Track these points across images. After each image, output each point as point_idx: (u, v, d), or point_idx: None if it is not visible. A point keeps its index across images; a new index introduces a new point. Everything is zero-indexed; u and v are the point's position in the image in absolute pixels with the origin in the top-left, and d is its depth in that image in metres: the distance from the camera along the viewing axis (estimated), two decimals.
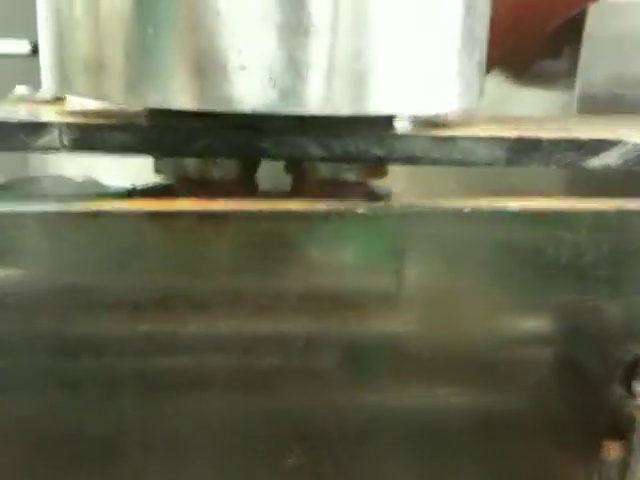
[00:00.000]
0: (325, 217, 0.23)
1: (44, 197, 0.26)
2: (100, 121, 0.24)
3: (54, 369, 0.24)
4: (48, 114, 0.26)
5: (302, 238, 0.24)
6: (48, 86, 0.26)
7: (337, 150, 0.24)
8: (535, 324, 0.26)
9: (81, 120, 0.24)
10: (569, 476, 0.28)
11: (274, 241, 0.24)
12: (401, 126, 0.27)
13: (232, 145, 0.24)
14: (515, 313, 0.25)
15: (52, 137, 0.24)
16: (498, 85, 0.46)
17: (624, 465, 0.26)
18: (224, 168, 0.27)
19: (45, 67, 0.26)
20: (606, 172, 0.25)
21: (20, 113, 0.25)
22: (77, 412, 0.24)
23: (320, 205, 0.24)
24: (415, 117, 0.32)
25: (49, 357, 0.24)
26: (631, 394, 0.26)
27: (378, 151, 0.25)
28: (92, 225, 0.23)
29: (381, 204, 0.25)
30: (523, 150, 0.25)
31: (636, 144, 0.24)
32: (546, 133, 0.25)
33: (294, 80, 0.22)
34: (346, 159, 0.25)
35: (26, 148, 0.24)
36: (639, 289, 0.25)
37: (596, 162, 0.25)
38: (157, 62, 0.22)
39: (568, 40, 0.43)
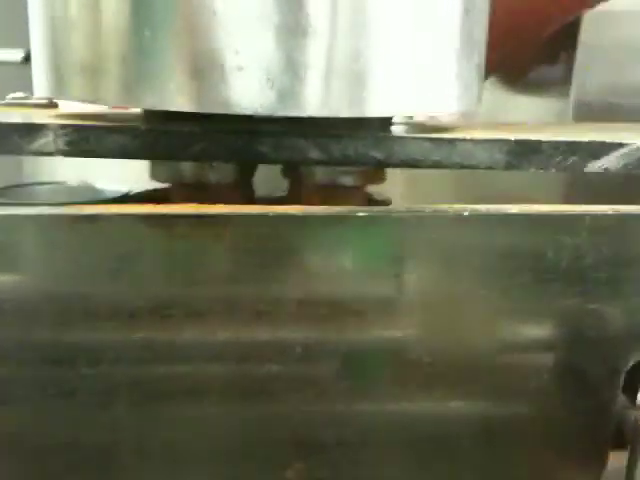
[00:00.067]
0: (324, 222, 0.23)
1: (38, 201, 0.25)
2: (96, 124, 0.24)
3: (49, 377, 0.23)
4: (42, 117, 0.25)
5: (301, 243, 0.23)
6: (41, 90, 0.26)
7: (336, 153, 0.24)
8: (536, 330, 0.26)
9: (76, 123, 0.24)
10: None
11: (272, 246, 0.23)
12: (399, 129, 0.27)
13: (229, 149, 0.24)
14: (516, 318, 0.25)
15: (47, 140, 0.23)
16: (492, 92, 0.46)
17: (628, 474, 0.26)
18: (220, 173, 0.27)
19: (38, 71, 0.26)
20: (606, 175, 0.25)
21: (13, 117, 0.25)
22: (73, 421, 0.24)
23: (319, 210, 0.23)
24: (413, 120, 0.31)
25: (44, 364, 0.23)
26: (635, 402, 0.26)
27: (377, 154, 0.24)
28: (87, 229, 0.23)
29: (380, 208, 0.24)
30: (523, 153, 0.24)
31: (639, 148, 0.24)
32: (546, 136, 0.25)
33: (292, 81, 0.22)
34: (345, 162, 0.24)
35: (20, 151, 0.23)
36: None
37: (596, 165, 0.25)
38: (153, 63, 0.22)
39: (563, 47, 0.43)
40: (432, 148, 0.24)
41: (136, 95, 0.23)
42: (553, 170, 0.25)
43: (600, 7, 0.40)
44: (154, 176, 0.28)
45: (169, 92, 0.22)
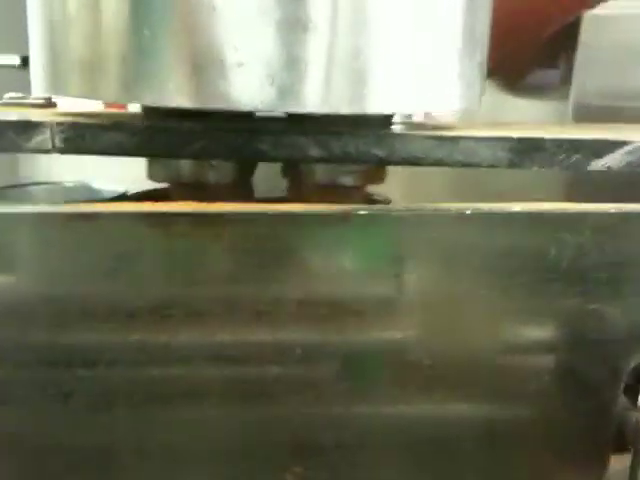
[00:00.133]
0: (325, 220, 0.23)
1: (35, 200, 0.25)
2: (94, 121, 0.24)
3: (47, 378, 0.23)
4: (39, 115, 0.25)
5: (301, 242, 0.23)
6: (39, 89, 0.26)
7: (337, 151, 0.24)
8: (537, 330, 0.25)
9: (73, 120, 0.24)
10: None
11: (272, 245, 0.23)
12: (399, 128, 0.27)
13: (229, 146, 0.24)
14: (517, 319, 0.25)
15: (44, 137, 0.23)
16: (491, 93, 0.46)
17: (632, 475, 0.26)
18: (219, 172, 0.27)
19: (36, 69, 0.26)
20: (608, 174, 0.25)
21: (10, 114, 0.24)
22: (71, 422, 0.23)
23: (319, 208, 0.23)
24: (411, 120, 0.31)
25: (42, 366, 0.23)
26: (636, 403, 0.26)
27: (378, 151, 0.24)
28: (84, 228, 0.22)
29: (381, 207, 0.24)
30: (526, 151, 0.24)
31: None
32: (548, 134, 0.24)
33: (292, 78, 0.22)
34: (346, 160, 0.24)
35: (17, 149, 0.23)
36: None
37: (600, 164, 0.24)
38: (152, 60, 0.22)
39: (563, 49, 0.43)
40: (434, 146, 0.24)
41: (135, 92, 0.22)
42: (556, 168, 0.25)
43: (600, 10, 0.40)
44: (152, 176, 0.27)
45: (168, 89, 0.22)
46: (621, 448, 0.26)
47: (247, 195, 0.28)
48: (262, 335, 0.24)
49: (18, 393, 0.23)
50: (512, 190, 0.28)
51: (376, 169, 0.27)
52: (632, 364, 0.25)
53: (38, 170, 0.34)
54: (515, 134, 0.24)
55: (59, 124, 0.23)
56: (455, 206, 0.23)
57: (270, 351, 0.24)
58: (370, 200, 0.29)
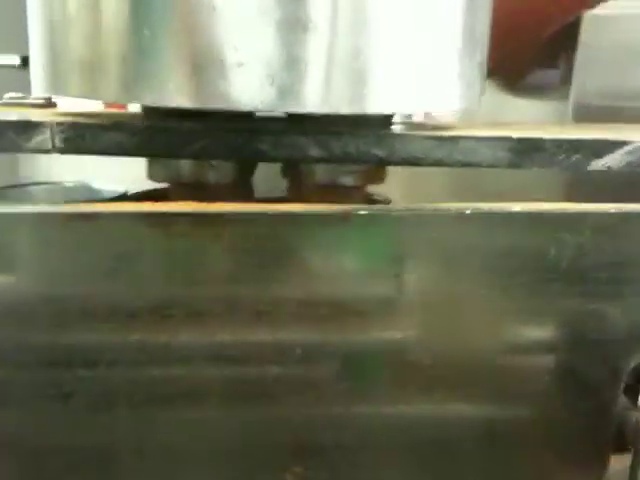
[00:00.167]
0: (325, 220, 0.23)
1: (35, 200, 0.25)
2: (94, 121, 0.24)
3: (48, 378, 0.23)
4: (39, 115, 0.25)
5: (301, 242, 0.23)
6: (39, 89, 0.26)
7: (337, 151, 0.24)
8: (537, 330, 0.25)
9: (73, 120, 0.24)
10: None
11: (272, 245, 0.23)
12: (399, 128, 0.27)
13: (229, 146, 0.24)
14: (517, 319, 0.25)
15: (44, 137, 0.23)
16: (491, 93, 0.46)
17: (632, 475, 0.25)
18: (219, 172, 0.27)
19: (36, 70, 0.26)
20: (608, 174, 0.25)
21: (10, 114, 0.24)
22: (71, 423, 0.23)
23: (320, 208, 0.23)
24: (411, 120, 0.31)
25: (42, 366, 0.23)
26: (636, 403, 0.26)
27: (379, 151, 0.24)
28: (84, 228, 0.22)
29: (381, 207, 0.24)
30: (526, 151, 0.24)
31: None
32: (548, 134, 0.24)
33: (292, 77, 0.22)
34: (346, 160, 0.24)
35: (17, 149, 0.23)
36: None
37: (600, 164, 0.24)
38: (152, 60, 0.22)
39: (563, 49, 0.43)
40: (434, 146, 0.24)
41: (135, 92, 0.22)
42: (556, 168, 0.24)
43: (600, 10, 0.40)
44: (152, 176, 0.27)
45: (168, 89, 0.22)
46: (621, 448, 0.26)
47: (247, 195, 0.28)
48: (262, 335, 0.24)
49: (19, 393, 0.23)
50: (511, 190, 0.28)
51: (376, 169, 0.27)
52: (632, 364, 0.25)
53: (38, 170, 0.34)
54: (515, 134, 0.24)
55: (59, 124, 0.23)
56: (455, 206, 0.23)
57: (270, 351, 0.24)
58: (370, 200, 0.29)
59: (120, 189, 0.29)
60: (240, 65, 0.21)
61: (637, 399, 0.26)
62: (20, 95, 0.34)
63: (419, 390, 0.25)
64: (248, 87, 0.22)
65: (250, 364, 0.24)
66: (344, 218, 0.23)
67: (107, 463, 0.24)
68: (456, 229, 0.24)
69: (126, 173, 0.29)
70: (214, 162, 0.26)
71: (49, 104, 0.32)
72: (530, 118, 0.47)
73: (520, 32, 0.39)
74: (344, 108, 0.22)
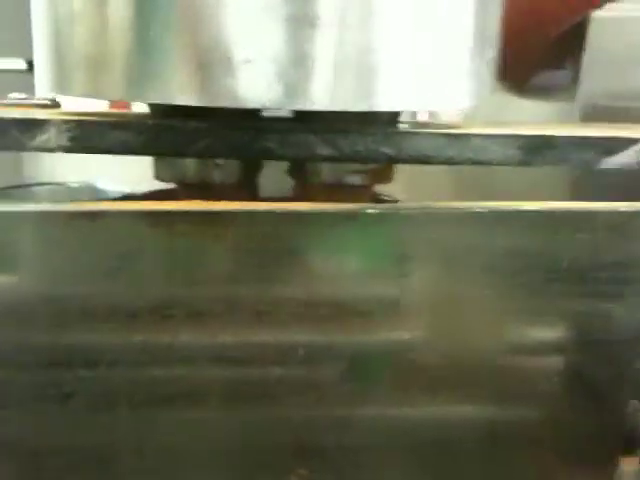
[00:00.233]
0: (332, 219, 0.23)
1: (39, 199, 0.25)
2: (99, 120, 0.23)
3: (49, 379, 0.23)
4: (44, 114, 0.25)
5: (308, 241, 0.23)
6: (44, 88, 0.26)
7: (346, 149, 0.24)
8: (547, 331, 0.25)
9: (79, 118, 0.23)
10: None
11: (279, 244, 0.23)
12: (406, 125, 0.26)
13: (235, 145, 0.24)
14: (527, 319, 0.25)
15: (48, 136, 0.23)
16: (496, 93, 0.45)
17: None
18: (225, 171, 0.26)
19: (41, 70, 0.25)
20: (619, 172, 0.24)
21: (14, 113, 0.24)
22: (72, 423, 0.23)
23: (327, 207, 0.23)
24: (415, 119, 0.31)
25: (42, 367, 0.23)
26: None
27: (388, 149, 0.24)
28: (86, 227, 0.22)
29: (390, 205, 0.24)
30: (538, 149, 0.24)
31: None
32: (560, 132, 0.24)
33: (300, 75, 0.21)
34: (354, 158, 0.24)
35: (21, 147, 0.23)
36: None
37: (611, 161, 0.24)
38: (158, 57, 0.22)
39: (570, 50, 0.42)
40: (445, 143, 0.24)
41: (141, 90, 0.22)
42: (567, 166, 0.24)
43: (607, 12, 0.40)
44: (158, 176, 0.27)
45: (175, 86, 0.22)
46: (630, 450, 0.26)
47: (253, 195, 0.28)
48: (265, 336, 0.23)
49: (20, 394, 0.23)
50: (514, 190, 0.27)
51: (383, 168, 0.27)
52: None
53: (42, 171, 0.34)
54: (526, 132, 0.24)
55: (64, 122, 0.23)
56: (463, 204, 0.23)
57: (273, 352, 0.23)
58: (377, 200, 0.29)
59: (125, 190, 0.29)
60: (247, 62, 0.21)
61: None
62: (24, 96, 0.34)
63: (424, 391, 0.25)
64: (255, 84, 0.21)
65: (253, 365, 0.24)
66: (351, 217, 0.23)
67: (108, 463, 0.24)
68: (464, 228, 0.23)
69: (131, 174, 0.29)
70: (220, 161, 0.26)
71: (53, 104, 0.32)
72: (534, 119, 0.46)
73: (527, 33, 0.39)
74: (352, 105, 0.22)
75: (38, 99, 0.33)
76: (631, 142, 0.24)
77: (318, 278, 0.23)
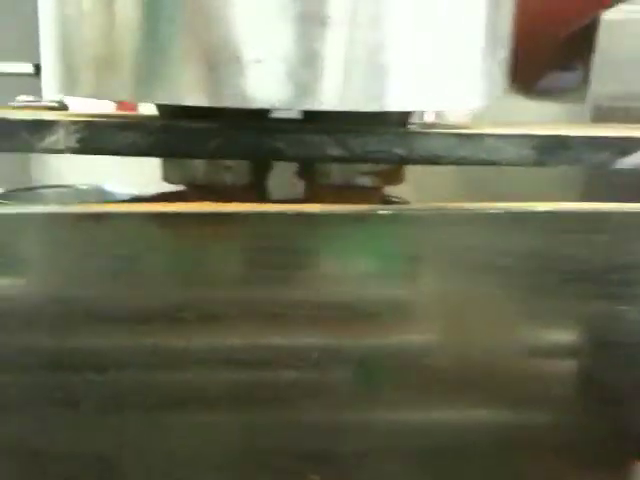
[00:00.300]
0: (343, 221, 0.22)
1: (46, 201, 0.25)
2: (108, 121, 0.23)
3: (56, 383, 0.22)
4: (53, 116, 0.25)
5: (318, 243, 0.22)
6: (52, 90, 0.25)
7: (357, 149, 0.23)
8: (560, 335, 0.25)
9: (87, 119, 0.23)
10: None
11: (287, 247, 0.22)
12: (415, 126, 0.26)
13: (245, 145, 0.23)
14: (541, 323, 0.24)
15: (57, 137, 0.23)
16: (504, 95, 0.45)
17: None
18: (234, 173, 0.26)
19: (48, 71, 0.25)
20: (635, 172, 0.24)
21: (23, 114, 0.24)
22: (80, 428, 0.23)
23: (338, 208, 0.22)
24: (423, 120, 0.31)
25: (50, 370, 0.23)
26: None
27: (399, 150, 0.24)
28: (94, 229, 0.22)
29: (402, 207, 0.24)
30: (552, 149, 0.24)
31: None
32: (574, 132, 0.24)
33: (311, 74, 0.21)
34: (366, 159, 0.24)
35: (30, 149, 0.23)
36: None
37: (627, 162, 0.24)
38: (167, 57, 0.21)
39: (579, 52, 0.42)
40: (457, 143, 0.24)
41: (150, 90, 0.22)
42: (582, 166, 0.24)
43: (618, 13, 0.40)
44: (166, 178, 0.27)
45: (184, 86, 0.22)
46: None
47: (263, 197, 0.28)
48: (277, 339, 0.23)
49: (28, 398, 0.23)
50: (523, 190, 0.27)
51: (394, 169, 0.27)
52: None
53: (49, 173, 0.34)
54: (540, 132, 0.24)
55: (73, 123, 0.23)
56: (477, 205, 0.23)
57: (285, 355, 0.23)
58: (387, 201, 0.29)
59: (133, 192, 0.29)
60: (257, 62, 0.21)
61: None
62: (32, 98, 0.34)
63: (437, 395, 0.24)
64: (265, 84, 0.21)
65: (264, 368, 0.23)
66: (362, 218, 0.22)
67: (117, 468, 0.23)
68: (477, 229, 0.23)
69: (138, 176, 0.28)
70: (229, 163, 0.26)
71: (61, 107, 0.32)
72: (541, 120, 0.46)
73: (538, 34, 0.39)
74: (363, 105, 0.22)
75: (46, 101, 0.33)
76: None
77: (330, 280, 0.23)
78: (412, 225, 0.23)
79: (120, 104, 0.40)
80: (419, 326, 0.24)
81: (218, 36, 0.21)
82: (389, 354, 0.24)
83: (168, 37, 0.21)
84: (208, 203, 0.22)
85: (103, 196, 0.30)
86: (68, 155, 0.24)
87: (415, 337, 0.24)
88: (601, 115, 0.41)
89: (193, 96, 0.22)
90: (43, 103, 0.32)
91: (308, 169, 0.27)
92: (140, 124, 0.23)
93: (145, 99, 0.22)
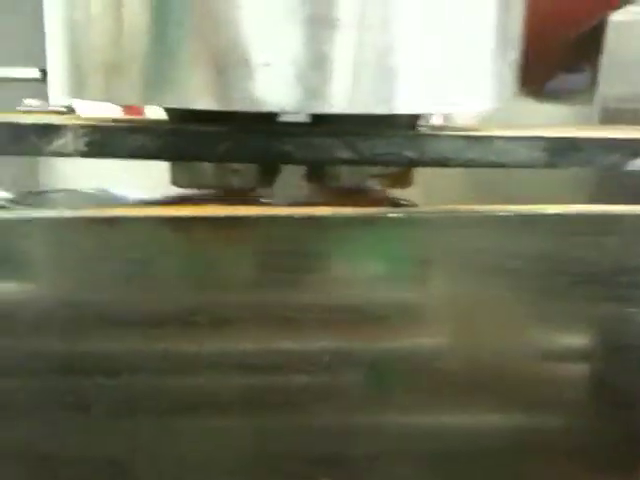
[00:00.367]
0: (353, 224, 0.22)
1: (55, 205, 0.25)
2: (116, 124, 0.23)
3: (67, 387, 0.22)
4: (61, 120, 0.25)
5: (328, 246, 0.22)
6: (59, 94, 0.25)
7: (366, 152, 0.23)
8: (571, 338, 0.25)
9: (96, 123, 0.23)
10: None
11: (297, 250, 0.22)
12: (424, 128, 0.26)
13: (254, 149, 0.23)
14: (552, 326, 0.24)
15: (65, 140, 0.23)
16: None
17: None
18: (243, 177, 0.26)
19: (55, 75, 0.25)
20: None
21: (31, 118, 0.24)
22: (91, 433, 0.23)
23: (348, 211, 0.22)
24: (432, 121, 0.31)
25: (62, 374, 0.22)
26: None
27: (409, 152, 0.23)
28: (105, 232, 0.22)
29: (412, 209, 0.24)
30: (563, 151, 0.24)
31: None
32: (585, 134, 0.24)
33: (320, 77, 0.21)
34: (375, 161, 0.23)
35: (38, 152, 0.23)
36: None
37: (638, 164, 0.24)
38: (176, 60, 0.21)
39: (587, 53, 0.42)
40: (467, 146, 0.23)
41: (159, 94, 0.22)
42: (592, 168, 0.24)
43: (626, 15, 0.40)
44: (175, 181, 0.27)
45: (193, 90, 0.22)
46: None
47: (271, 200, 0.28)
48: (288, 342, 0.23)
49: (39, 402, 0.23)
50: (527, 193, 0.27)
51: (403, 172, 0.27)
52: None
53: (56, 178, 0.34)
54: (551, 134, 0.24)
55: (81, 127, 0.23)
56: (486, 208, 0.23)
57: (297, 359, 0.23)
58: (396, 204, 0.29)
59: (142, 196, 0.29)
60: (266, 65, 0.21)
61: None
62: (39, 102, 0.34)
63: (448, 398, 0.24)
64: (274, 87, 0.21)
65: (276, 372, 0.23)
66: (372, 221, 0.22)
67: (129, 473, 0.23)
68: (487, 232, 0.23)
69: (146, 180, 0.28)
70: (238, 166, 0.26)
71: (69, 110, 0.32)
72: (549, 122, 0.46)
73: (547, 35, 0.39)
74: (372, 108, 0.22)
75: (53, 105, 0.33)
76: None
77: (341, 283, 0.23)
78: (422, 228, 0.23)
79: (127, 108, 0.40)
80: (430, 329, 0.24)
81: (227, 39, 0.21)
82: (400, 357, 0.24)
83: (177, 41, 0.21)
84: (218, 207, 0.22)
85: (112, 200, 0.30)
86: (75, 159, 0.24)
87: (426, 340, 0.24)
88: (609, 117, 0.41)
89: (202, 100, 0.22)
90: (50, 107, 0.32)
91: (317, 172, 0.27)
92: (149, 127, 0.23)
93: (154, 103, 0.22)
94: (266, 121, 0.24)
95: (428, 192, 0.31)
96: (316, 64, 0.21)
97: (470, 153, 0.24)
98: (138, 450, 0.23)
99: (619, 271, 0.23)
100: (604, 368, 0.25)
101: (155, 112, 0.27)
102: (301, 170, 0.28)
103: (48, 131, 0.23)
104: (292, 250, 0.22)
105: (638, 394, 0.25)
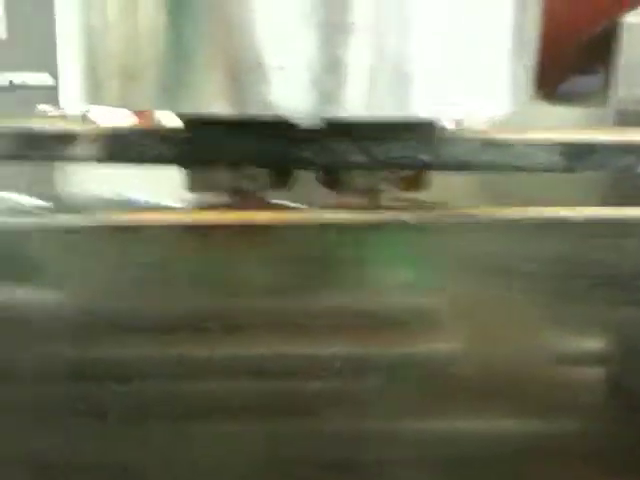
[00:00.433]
0: (368, 228, 0.22)
1: (70, 211, 0.25)
2: (132, 131, 0.23)
3: (80, 394, 0.22)
4: (77, 126, 0.25)
5: (345, 251, 0.22)
6: (71, 99, 0.26)
7: (380, 156, 0.23)
8: (589, 342, 0.24)
9: (113, 129, 0.23)
10: None
11: (313, 255, 0.22)
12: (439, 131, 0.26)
13: (269, 154, 0.23)
14: (570, 330, 0.24)
15: (82, 147, 0.23)
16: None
17: None
18: (258, 182, 0.26)
19: (68, 80, 0.25)
20: None
21: (48, 124, 0.24)
22: (103, 441, 0.23)
23: (362, 216, 0.22)
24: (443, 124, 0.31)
25: (74, 381, 0.23)
26: None
27: (425, 156, 0.23)
28: (121, 239, 0.22)
29: (429, 214, 0.23)
30: (581, 154, 0.23)
31: None
32: (601, 137, 0.24)
33: (335, 81, 0.21)
34: (390, 165, 0.23)
35: (55, 158, 0.23)
36: None
37: None
38: (189, 65, 0.21)
39: (600, 55, 0.42)
40: (484, 149, 0.23)
41: (174, 99, 0.22)
42: (609, 170, 0.24)
43: (638, 16, 0.40)
44: (190, 187, 0.27)
45: (207, 95, 0.22)
46: None
47: (286, 205, 0.28)
48: (301, 348, 0.23)
49: (51, 409, 0.23)
50: (545, 195, 0.27)
51: (419, 176, 0.26)
52: None
53: (71, 183, 0.34)
54: (568, 137, 0.23)
55: (98, 133, 0.23)
56: (504, 211, 0.23)
57: (309, 365, 0.23)
58: (412, 208, 0.29)
59: (159, 201, 0.29)
60: (281, 69, 0.21)
61: None
62: (53, 108, 0.34)
63: (463, 404, 0.24)
64: (289, 91, 0.21)
65: (289, 378, 0.23)
66: (387, 226, 0.22)
67: (141, 479, 0.23)
68: (505, 235, 0.23)
69: (161, 185, 0.28)
70: (252, 171, 0.26)
71: (83, 116, 0.32)
72: (563, 125, 0.46)
73: (560, 37, 0.39)
74: (392, 112, 0.22)
75: (68, 111, 0.33)
76: None
77: (355, 288, 0.23)
78: (438, 232, 0.23)
79: (138, 114, 0.40)
80: (444, 334, 0.23)
81: (241, 43, 0.21)
82: (414, 363, 0.24)
83: (191, 45, 0.21)
84: (233, 212, 0.22)
85: (126, 205, 0.30)
86: (90, 167, 0.24)
87: (440, 345, 0.24)
88: (624, 119, 0.40)
89: (216, 104, 0.22)
90: (65, 113, 0.32)
91: (332, 177, 0.27)
92: (165, 133, 0.23)
93: (169, 108, 0.22)
94: (280, 125, 0.24)
95: (443, 195, 0.31)
96: (331, 68, 0.21)
97: (486, 157, 0.24)
98: (150, 456, 0.23)
99: (637, 274, 0.23)
100: (621, 372, 0.24)
101: (169, 117, 0.27)
102: (315, 174, 0.28)
103: (65, 137, 0.23)
104: (305, 255, 0.22)
105: None
